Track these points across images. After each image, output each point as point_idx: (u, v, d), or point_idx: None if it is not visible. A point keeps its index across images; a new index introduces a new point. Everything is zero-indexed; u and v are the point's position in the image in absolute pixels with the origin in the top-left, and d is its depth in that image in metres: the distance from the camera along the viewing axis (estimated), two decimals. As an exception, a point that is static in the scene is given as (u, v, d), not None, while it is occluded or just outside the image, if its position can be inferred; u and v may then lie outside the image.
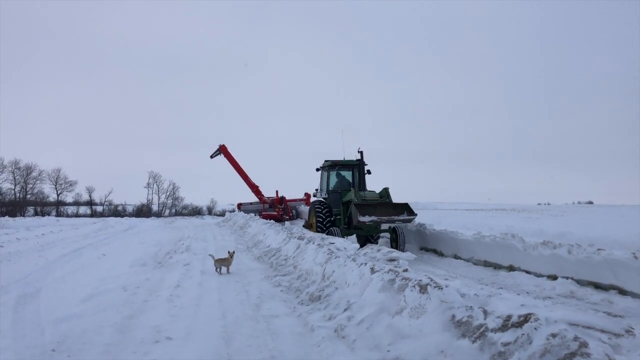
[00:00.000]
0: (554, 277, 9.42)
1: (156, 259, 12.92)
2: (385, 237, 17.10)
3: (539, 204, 64.18)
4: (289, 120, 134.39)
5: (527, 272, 10.26)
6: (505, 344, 3.69)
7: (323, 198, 18.44)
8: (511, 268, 10.80)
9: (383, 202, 15.89)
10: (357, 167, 18.08)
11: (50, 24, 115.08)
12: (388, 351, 4.73)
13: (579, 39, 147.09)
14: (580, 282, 8.90)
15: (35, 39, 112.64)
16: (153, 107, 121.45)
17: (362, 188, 17.61)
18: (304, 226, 19.43)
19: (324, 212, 17.21)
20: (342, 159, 18.41)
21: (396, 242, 15.89)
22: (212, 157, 34.59)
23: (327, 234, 15.14)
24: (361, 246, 11.76)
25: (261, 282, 9.48)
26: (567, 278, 9.10)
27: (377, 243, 16.90)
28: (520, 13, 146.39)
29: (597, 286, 8.62)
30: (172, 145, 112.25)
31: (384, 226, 16.40)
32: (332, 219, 17.10)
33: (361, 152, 17.95)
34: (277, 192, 32.25)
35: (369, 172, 18.24)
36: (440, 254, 13.95)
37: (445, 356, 4.15)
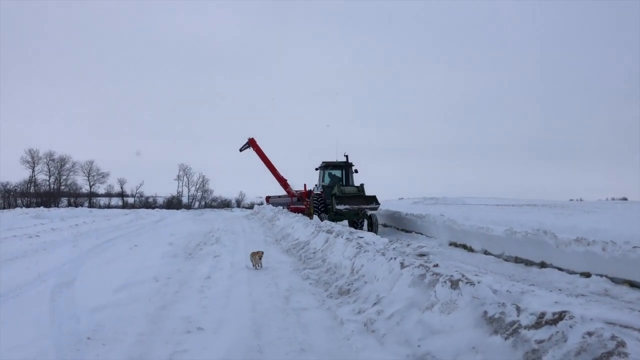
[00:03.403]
0: (587, 275, 9.24)
1: (187, 251, 13.09)
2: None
3: (570, 200, 63.01)
4: (316, 112, 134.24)
5: (560, 269, 10.09)
6: (539, 342, 3.63)
7: (319, 192, 23.17)
8: (543, 265, 10.63)
9: (357, 195, 21.30)
10: (344, 167, 23.48)
11: (82, 21, 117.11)
12: (418, 346, 4.71)
13: (609, 28, 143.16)
14: (614, 280, 8.71)
15: (68, 34, 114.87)
16: (184, 100, 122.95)
17: (347, 183, 23.02)
18: (305, 214, 23.52)
19: (318, 202, 22.26)
20: (334, 161, 23.73)
21: (371, 227, 20.41)
22: (241, 150, 34.79)
23: (320, 219, 19.77)
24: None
25: (290, 275, 9.53)
26: (601, 276, 8.92)
27: (362, 227, 21.02)
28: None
29: (633, 284, 8.42)
30: (202, 138, 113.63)
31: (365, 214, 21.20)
32: (325, 208, 21.88)
33: (347, 156, 23.71)
34: (305, 185, 32.26)
35: (356, 171, 23.43)
36: (470, 250, 13.81)
37: (477, 352, 4.11)
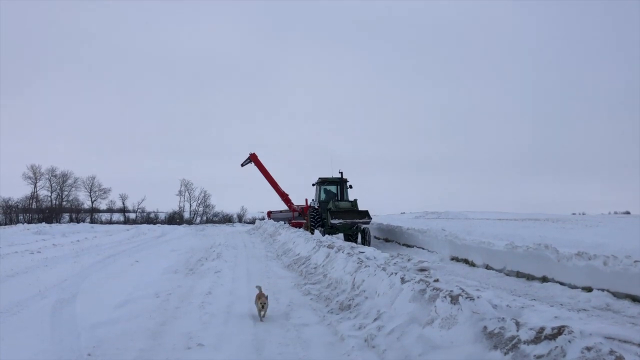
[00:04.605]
0: (589, 289, 9.21)
1: (188, 266, 13.09)
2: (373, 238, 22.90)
3: (573, 214, 62.92)
4: (318, 127, 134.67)
5: (561, 283, 10.06)
6: (538, 357, 3.64)
7: (316, 206, 24.56)
8: (544, 279, 10.60)
9: (350, 209, 22.53)
10: (339, 183, 24.85)
11: (84, 37, 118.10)
12: (418, 362, 4.70)
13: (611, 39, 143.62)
14: (616, 295, 8.68)
15: (70, 49, 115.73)
16: (185, 116, 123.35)
17: (342, 199, 24.29)
18: (303, 228, 24.18)
19: (315, 217, 23.32)
20: (330, 177, 25.07)
21: (364, 240, 21.41)
22: (242, 165, 34.97)
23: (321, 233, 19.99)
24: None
25: (291, 290, 9.52)
26: (602, 290, 8.89)
27: (356, 240, 22.17)
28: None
29: (635, 299, 8.40)
30: (204, 153, 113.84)
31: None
32: (321, 222, 23.00)
33: (341, 172, 25.17)
34: (306, 200, 32.31)
35: (350, 186, 24.67)
36: (472, 264, 13.77)
37: (476, 368, 4.10)
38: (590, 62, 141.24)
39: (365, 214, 22.05)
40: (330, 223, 21.71)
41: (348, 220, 21.70)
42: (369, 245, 20.27)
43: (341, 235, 23.05)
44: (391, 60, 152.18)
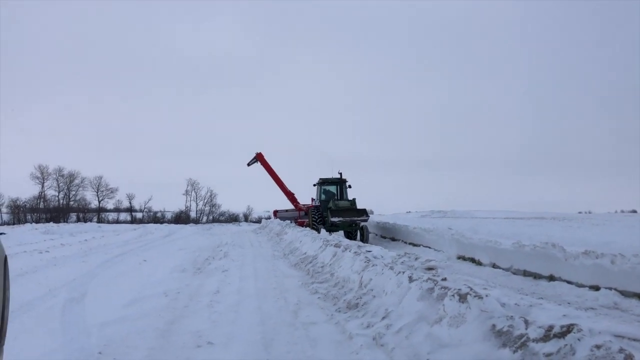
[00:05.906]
0: (596, 288, 9.20)
1: (195, 265, 13.14)
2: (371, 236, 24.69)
3: (579, 213, 62.65)
4: (323, 127, 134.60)
5: (569, 282, 10.05)
6: (548, 355, 3.65)
7: (317, 205, 26.04)
8: (552, 278, 10.59)
9: (349, 208, 23.90)
10: (339, 183, 26.31)
11: (90, 38, 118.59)
12: (427, 360, 4.72)
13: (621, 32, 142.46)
14: (624, 293, 8.66)
15: (75, 49, 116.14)
16: (192, 115, 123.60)
17: (341, 198, 25.66)
18: (305, 225, 25.73)
19: (316, 215, 24.84)
20: (330, 177, 26.66)
21: (362, 237, 22.87)
22: (249, 164, 35.04)
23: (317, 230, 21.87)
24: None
25: (298, 289, 9.54)
26: (610, 289, 8.87)
27: (356, 237, 23.42)
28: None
29: (643, 298, 8.39)
30: (211, 153, 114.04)
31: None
32: (322, 220, 24.48)
33: (340, 173, 26.95)
34: (312, 199, 32.38)
35: (349, 186, 26.21)
36: (479, 263, 13.76)
37: (485, 366, 4.12)
38: (595, 60, 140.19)
39: (363, 212, 23.49)
40: (331, 221, 23.15)
41: (347, 218, 23.05)
42: (367, 241, 21.98)
43: (341, 232, 24.11)
44: (395, 60, 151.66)
